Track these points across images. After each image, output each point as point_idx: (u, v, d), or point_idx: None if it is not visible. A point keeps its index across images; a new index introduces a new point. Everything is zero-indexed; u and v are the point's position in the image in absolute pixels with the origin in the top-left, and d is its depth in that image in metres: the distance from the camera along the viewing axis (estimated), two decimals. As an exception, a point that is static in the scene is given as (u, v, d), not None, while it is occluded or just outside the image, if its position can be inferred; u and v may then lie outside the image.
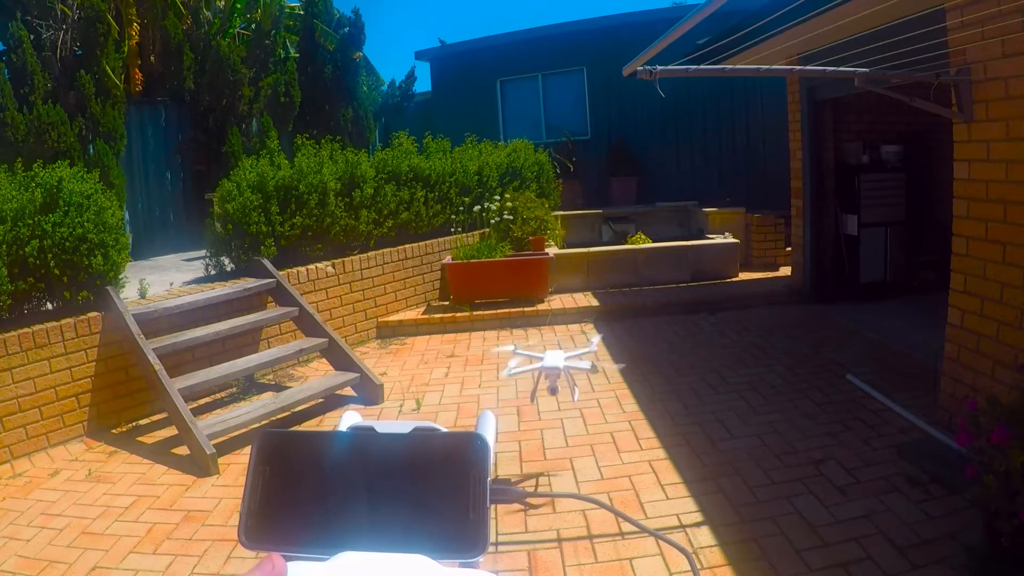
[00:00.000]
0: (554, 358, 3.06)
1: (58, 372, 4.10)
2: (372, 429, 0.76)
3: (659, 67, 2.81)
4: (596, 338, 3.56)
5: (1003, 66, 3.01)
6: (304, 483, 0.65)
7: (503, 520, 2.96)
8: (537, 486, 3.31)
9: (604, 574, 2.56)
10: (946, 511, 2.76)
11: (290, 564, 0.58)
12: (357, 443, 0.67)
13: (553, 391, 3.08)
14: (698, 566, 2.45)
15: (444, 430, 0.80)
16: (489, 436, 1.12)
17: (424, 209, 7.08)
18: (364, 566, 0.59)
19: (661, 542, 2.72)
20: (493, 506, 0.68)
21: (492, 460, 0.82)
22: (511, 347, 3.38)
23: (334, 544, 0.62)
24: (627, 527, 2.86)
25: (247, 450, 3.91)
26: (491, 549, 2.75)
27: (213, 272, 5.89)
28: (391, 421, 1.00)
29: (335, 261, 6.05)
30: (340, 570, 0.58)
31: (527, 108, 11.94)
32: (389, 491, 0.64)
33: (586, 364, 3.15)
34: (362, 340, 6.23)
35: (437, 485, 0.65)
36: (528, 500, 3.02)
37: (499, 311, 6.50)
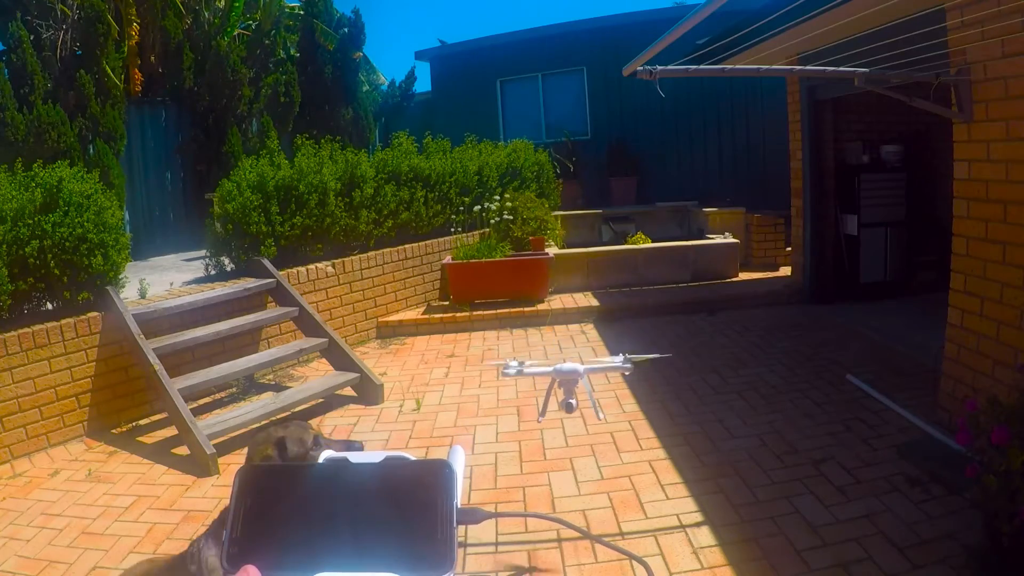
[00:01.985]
0: (571, 365, 2.22)
1: (58, 372, 4.10)
2: (346, 460, 0.80)
3: (659, 67, 2.81)
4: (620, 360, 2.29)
5: (1003, 66, 3.01)
6: (283, 512, 0.69)
7: (504, 520, 2.95)
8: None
9: (604, 574, 2.55)
10: (946, 511, 2.76)
11: None
12: (331, 473, 0.72)
13: (569, 407, 2.18)
14: (640, 557, 2.44)
15: (413, 458, 0.86)
16: (457, 467, 1.20)
17: (424, 209, 7.08)
18: None
19: (661, 539, 2.72)
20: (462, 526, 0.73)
21: (459, 487, 0.88)
22: (514, 368, 2.30)
23: (311, 566, 0.65)
24: (627, 527, 2.86)
25: (247, 450, 3.94)
26: (491, 550, 2.75)
27: (213, 272, 5.89)
28: (364, 452, 1.07)
29: (335, 261, 6.05)
30: None
31: (527, 108, 11.95)
32: (362, 515, 0.68)
33: (618, 360, 2.26)
34: (362, 340, 6.23)
35: (407, 508, 0.69)
36: (503, 519, 2.92)
37: (499, 311, 6.50)
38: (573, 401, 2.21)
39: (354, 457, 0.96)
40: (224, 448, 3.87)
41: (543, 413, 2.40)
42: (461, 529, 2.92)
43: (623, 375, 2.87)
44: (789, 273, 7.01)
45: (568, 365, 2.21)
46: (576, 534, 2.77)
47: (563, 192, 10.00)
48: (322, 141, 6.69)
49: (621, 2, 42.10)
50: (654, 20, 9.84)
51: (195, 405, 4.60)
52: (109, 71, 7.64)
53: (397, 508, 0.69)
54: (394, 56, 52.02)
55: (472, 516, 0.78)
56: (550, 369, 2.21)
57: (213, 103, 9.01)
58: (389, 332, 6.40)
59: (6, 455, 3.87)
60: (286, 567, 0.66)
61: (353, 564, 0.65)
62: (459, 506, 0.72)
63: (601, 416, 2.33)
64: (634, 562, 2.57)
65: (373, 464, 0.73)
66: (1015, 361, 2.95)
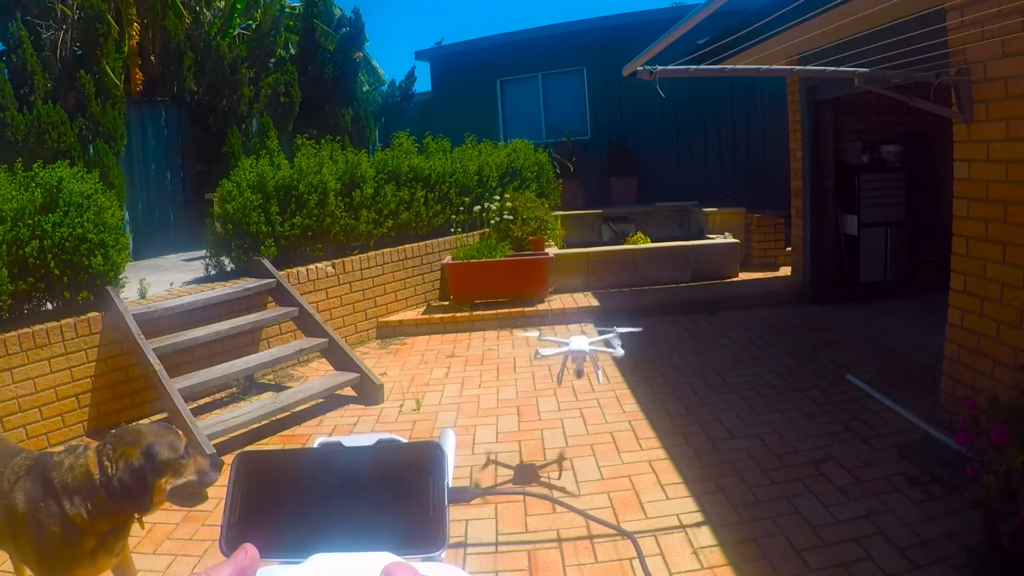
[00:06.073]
0: (579, 342, 3.22)
1: (58, 372, 4.10)
2: (339, 444, 0.83)
3: (659, 67, 2.81)
4: (619, 328, 3.53)
5: (1003, 66, 3.01)
6: (278, 495, 0.71)
7: (503, 520, 2.96)
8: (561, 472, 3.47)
9: (604, 574, 2.56)
10: (946, 511, 2.76)
11: (267, 569, 0.65)
12: (325, 456, 0.74)
13: (579, 374, 3.25)
14: (642, 550, 2.50)
15: (405, 441, 0.89)
16: (448, 449, 1.24)
17: (424, 209, 7.08)
18: (333, 564, 0.65)
19: (661, 539, 2.72)
20: (453, 505, 0.76)
21: (450, 468, 0.92)
22: (536, 333, 3.63)
23: (307, 547, 0.67)
24: (627, 527, 2.86)
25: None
26: (491, 550, 2.76)
27: (213, 272, 5.89)
28: (356, 435, 1.11)
29: (335, 261, 6.05)
30: (312, 569, 0.64)
31: (527, 108, 11.94)
32: (356, 497, 0.70)
33: (610, 348, 3.28)
34: (362, 340, 6.23)
35: (400, 489, 0.71)
36: (507, 497, 3.09)
37: (499, 311, 6.50)
38: (582, 368, 3.21)
39: (347, 440, 1.00)
40: (224, 448, 3.87)
41: (559, 381, 3.63)
42: (461, 528, 2.93)
43: (616, 363, 4.14)
44: (789, 273, 7.00)
45: (576, 346, 3.17)
46: (577, 533, 2.78)
47: (563, 192, 9.99)
48: (322, 141, 6.69)
49: (621, 2, 42.14)
50: (654, 20, 9.83)
51: (195, 405, 4.60)
52: (109, 71, 7.64)
53: (390, 489, 0.71)
54: (394, 56, 52.05)
55: (463, 495, 0.81)
56: (565, 349, 3.20)
57: (213, 103, 9.01)
58: (389, 332, 6.39)
59: (6, 455, 3.87)
60: (283, 548, 0.67)
61: (348, 544, 0.67)
62: (450, 485, 0.75)
63: (601, 380, 3.45)
64: (635, 563, 2.57)
65: (366, 447, 0.75)
66: (1015, 361, 2.95)
